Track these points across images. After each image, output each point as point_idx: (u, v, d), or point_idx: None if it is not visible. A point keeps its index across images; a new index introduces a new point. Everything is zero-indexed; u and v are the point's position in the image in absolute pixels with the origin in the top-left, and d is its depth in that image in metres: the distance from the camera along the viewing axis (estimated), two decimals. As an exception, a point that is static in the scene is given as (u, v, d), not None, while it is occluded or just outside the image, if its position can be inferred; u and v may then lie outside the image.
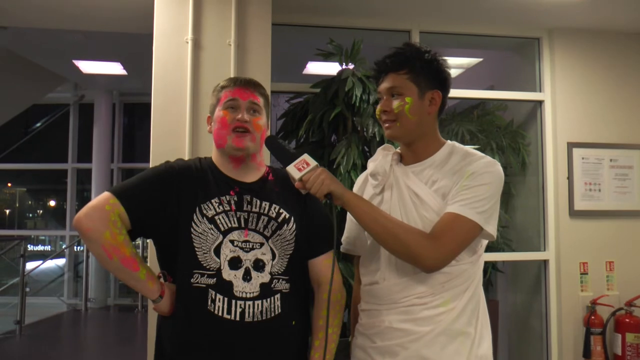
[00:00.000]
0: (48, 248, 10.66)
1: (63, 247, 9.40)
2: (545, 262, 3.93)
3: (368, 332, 1.62)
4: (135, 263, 1.52)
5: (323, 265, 1.69)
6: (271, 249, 1.60)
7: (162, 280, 1.60)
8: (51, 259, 9.01)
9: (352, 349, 1.70)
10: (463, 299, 1.55)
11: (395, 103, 1.59)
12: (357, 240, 1.71)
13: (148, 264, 1.71)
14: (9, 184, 11.11)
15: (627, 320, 3.68)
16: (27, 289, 6.92)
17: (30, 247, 9.59)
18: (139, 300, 7.85)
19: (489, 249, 3.86)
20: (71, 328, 7.60)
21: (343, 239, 1.76)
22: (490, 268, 4.10)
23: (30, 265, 7.71)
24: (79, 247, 9.05)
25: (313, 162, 1.53)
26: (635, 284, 3.81)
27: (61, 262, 9.13)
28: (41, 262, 8.51)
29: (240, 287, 1.54)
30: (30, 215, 11.79)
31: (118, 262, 1.51)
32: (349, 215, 1.72)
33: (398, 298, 1.56)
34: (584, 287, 3.82)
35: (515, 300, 4.44)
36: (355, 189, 1.77)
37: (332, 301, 1.64)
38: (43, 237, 10.90)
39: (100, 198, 1.54)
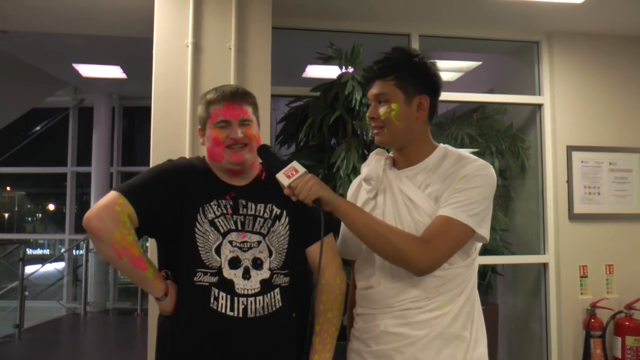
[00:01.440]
0: (47, 252, 10.65)
1: (62, 250, 9.39)
2: (544, 265, 3.94)
3: (363, 337, 1.62)
4: (143, 262, 1.54)
5: (319, 252, 1.67)
6: (267, 246, 1.63)
7: (165, 278, 1.62)
8: (50, 262, 8.99)
9: (347, 353, 1.71)
10: (458, 303, 1.55)
11: (382, 110, 1.60)
12: (352, 244, 1.71)
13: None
14: (8, 188, 11.10)
15: (626, 323, 3.68)
16: (26, 293, 6.90)
17: (29, 251, 9.58)
18: (138, 303, 7.84)
19: (489, 252, 3.89)
20: (70, 332, 7.58)
21: (338, 243, 1.76)
22: (490, 271, 4.10)
23: (29, 269, 7.69)
24: (78, 251, 9.04)
25: (302, 169, 1.55)
26: (635, 287, 3.81)
27: (60, 265, 9.11)
28: (40, 265, 8.50)
29: (241, 285, 1.57)
30: (30, 219, 11.78)
31: (127, 262, 1.52)
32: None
33: (393, 302, 1.56)
34: (584, 290, 3.82)
35: (515, 304, 4.44)
36: (349, 193, 1.78)
37: (331, 285, 1.66)
38: (42, 241, 10.89)
39: (109, 198, 1.54)
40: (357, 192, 1.75)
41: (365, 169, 1.72)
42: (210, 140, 1.66)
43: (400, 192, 1.60)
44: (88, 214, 1.52)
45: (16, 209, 11.22)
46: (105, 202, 1.53)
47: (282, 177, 1.55)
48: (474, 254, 1.61)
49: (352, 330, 1.70)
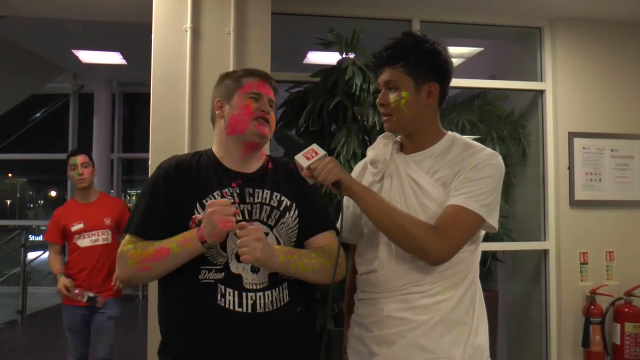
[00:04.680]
0: (49, 238, 10.65)
1: (64, 237, 9.39)
2: (545, 252, 3.94)
3: (365, 322, 1.62)
4: (163, 250, 1.52)
5: (320, 243, 1.66)
6: (276, 237, 1.61)
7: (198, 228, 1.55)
8: (52, 249, 9.00)
9: (347, 339, 1.70)
10: (461, 288, 1.55)
11: (392, 97, 1.59)
12: (353, 229, 1.71)
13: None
14: (10, 175, 11.12)
15: (626, 310, 3.69)
16: (29, 279, 6.93)
17: (31, 237, 9.58)
18: (140, 289, 7.88)
19: (490, 238, 3.88)
20: (72, 318, 7.61)
21: (338, 226, 1.76)
22: (490, 258, 4.10)
23: (31, 255, 7.72)
24: (79, 237, 9.06)
25: (322, 152, 1.53)
26: (635, 274, 3.82)
27: (62, 251, 9.13)
28: (42, 252, 8.51)
29: (249, 279, 1.54)
30: (31, 205, 11.80)
31: (156, 264, 1.53)
32: (344, 205, 1.72)
33: (397, 286, 1.55)
34: (584, 276, 3.83)
35: (515, 290, 4.45)
36: (353, 176, 1.74)
37: (325, 254, 1.62)
38: (44, 227, 10.90)
39: (121, 244, 1.60)
40: (362, 174, 1.74)
41: (371, 152, 1.71)
42: (239, 108, 1.66)
43: (408, 177, 1.59)
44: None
45: (18, 195, 11.24)
46: (119, 251, 1.59)
47: (301, 158, 1.52)
48: (478, 241, 1.61)
49: (353, 316, 1.69)
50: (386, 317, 1.55)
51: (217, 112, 1.71)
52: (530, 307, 4.17)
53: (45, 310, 7.44)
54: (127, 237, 1.60)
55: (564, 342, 3.79)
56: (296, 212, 1.66)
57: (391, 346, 1.53)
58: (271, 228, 1.61)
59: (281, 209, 1.64)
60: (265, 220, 1.61)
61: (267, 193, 1.64)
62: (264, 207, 1.62)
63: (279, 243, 1.61)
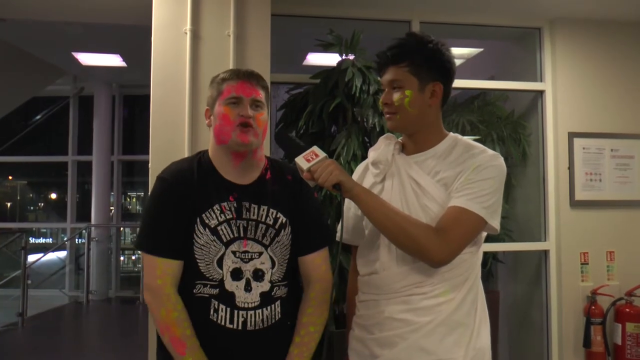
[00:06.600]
0: (49, 240, 10.67)
1: (64, 239, 9.40)
2: (545, 253, 3.93)
3: (366, 324, 1.62)
4: (184, 347, 1.49)
5: (314, 264, 1.67)
6: (270, 257, 1.60)
7: None
8: (52, 251, 9.01)
9: (349, 341, 1.70)
10: (462, 290, 1.55)
11: (396, 96, 1.58)
12: (355, 230, 1.71)
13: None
14: (10, 177, 11.11)
15: (627, 310, 3.68)
16: (29, 282, 6.93)
17: (31, 240, 9.59)
18: (140, 292, 7.87)
19: (490, 239, 3.84)
20: (73, 320, 7.62)
21: (338, 228, 1.76)
22: (490, 258, 4.10)
23: (31, 258, 7.71)
24: (80, 240, 9.06)
25: (322, 154, 1.52)
26: (636, 274, 3.81)
27: (62, 254, 9.14)
28: (42, 254, 8.52)
29: (242, 297, 1.55)
30: (32, 208, 11.79)
31: (168, 340, 1.51)
32: (345, 206, 1.71)
33: (397, 288, 1.55)
34: (585, 277, 3.82)
35: (515, 291, 4.44)
36: (354, 178, 1.75)
37: (319, 299, 1.64)
38: (44, 230, 10.91)
39: (149, 270, 1.54)
40: (363, 175, 1.74)
41: (373, 153, 1.71)
42: (219, 118, 1.60)
43: (409, 178, 1.59)
44: (144, 288, 1.55)
45: (18, 198, 11.23)
46: (148, 279, 1.54)
47: (301, 160, 1.51)
48: (479, 242, 1.61)
49: (354, 318, 1.69)
50: (387, 319, 1.55)
51: (206, 121, 1.68)
52: (531, 308, 4.16)
53: (46, 312, 7.44)
54: (153, 261, 1.55)
55: (565, 342, 3.79)
56: (290, 229, 1.64)
57: (392, 348, 1.53)
58: (266, 247, 1.60)
59: (277, 227, 1.62)
60: (260, 239, 1.59)
61: (263, 210, 1.61)
62: (260, 225, 1.60)
63: (273, 263, 1.60)
